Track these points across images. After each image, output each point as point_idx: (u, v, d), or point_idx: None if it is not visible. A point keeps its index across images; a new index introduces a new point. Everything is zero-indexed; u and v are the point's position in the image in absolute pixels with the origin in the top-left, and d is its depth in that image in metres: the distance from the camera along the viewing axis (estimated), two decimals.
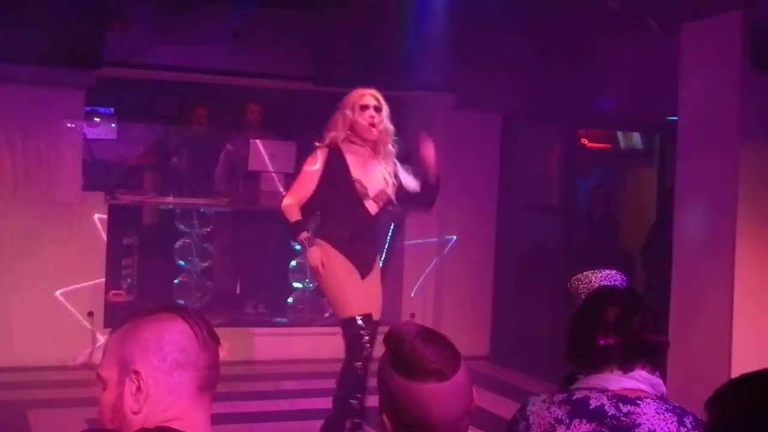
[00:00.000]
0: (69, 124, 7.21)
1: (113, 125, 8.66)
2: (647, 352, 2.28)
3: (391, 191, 5.15)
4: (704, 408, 1.50)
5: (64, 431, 5.40)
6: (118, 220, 7.60)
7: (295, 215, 5.03)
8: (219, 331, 1.75)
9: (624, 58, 7.06)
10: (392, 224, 8.25)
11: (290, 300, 8.00)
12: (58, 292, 7.09)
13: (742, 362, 5.00)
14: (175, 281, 7.91)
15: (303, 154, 5.61)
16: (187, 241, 7.96)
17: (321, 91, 7.21)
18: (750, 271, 5.31)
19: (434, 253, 8.22)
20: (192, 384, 1.65)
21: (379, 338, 2.03)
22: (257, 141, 7.76)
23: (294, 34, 7.55)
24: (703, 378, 5.11)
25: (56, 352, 7.01)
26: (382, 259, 7.99)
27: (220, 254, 8.40)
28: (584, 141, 8.97)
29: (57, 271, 7.08)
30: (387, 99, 5.24)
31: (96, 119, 8.37)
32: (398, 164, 5.23)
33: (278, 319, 8.00)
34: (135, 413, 1.62)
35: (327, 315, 7.44)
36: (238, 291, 8.50)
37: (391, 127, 5.15)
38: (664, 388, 2.30)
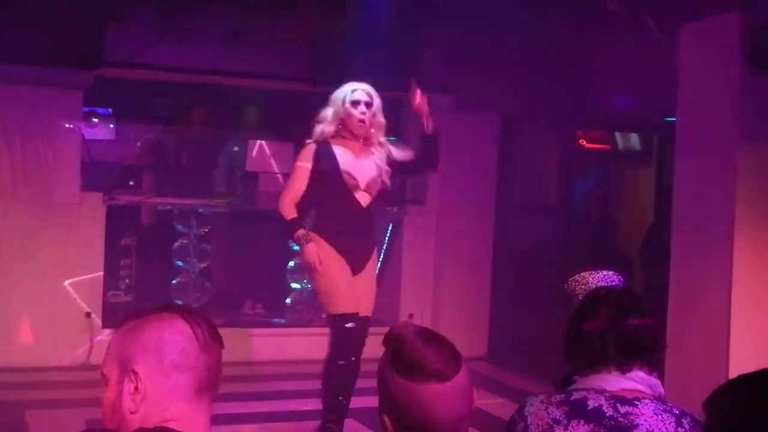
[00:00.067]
0: (67, 125, 7.20)
1: (112, 126, 8.66)
2: (645, 352, 2.29)
3: (385, 177, 5.10)
4: (702, 409, 1.51)
5: None
6: (116, 220, 7.59)
7: (290, 213, 5.02)
8: None
9: (622, 58, 7.06)
10: (391, 225, 8.26)
11: (288, 301, 8.00)
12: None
13: (740, 363, 5.01)
14: (174, 282, 7.91)
15: None
16: (185, 241, 7.96)
17: (319, 92, 7.21)
18: (748, 272, 5.32)
19: (432, 254, 8.23)
20: (190, 386, 1.64)
21: (377, 339, 2.03)
22: (256, 141, 7.76)
23: (292, 34, 7.55)
24: (701, 379, 5.12)
25: (55, 353, 7.01)
26: (380, 259, 8.02)
27: (218, 255, 8.40)
28: (582, 142, 8.97)
29: (55, 271, 7.08)
30: (385, 99, 5.24)
31: (94, 120, 8.38)
32: (389, 145, 5.19)
33: (276, 320, 8.00)
34: (132, 413, 1.62)
35: (325, 316, 7.44)
36: (236, 291, 8.50)
37: (382, 121, 5.12)
38: (661, 389, 2.30)
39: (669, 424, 2.16)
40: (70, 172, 7.20)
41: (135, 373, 1.62)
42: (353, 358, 5.05)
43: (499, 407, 5.50)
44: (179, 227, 7.97)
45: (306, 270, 5.62)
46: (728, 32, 5.40)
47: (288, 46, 7.56)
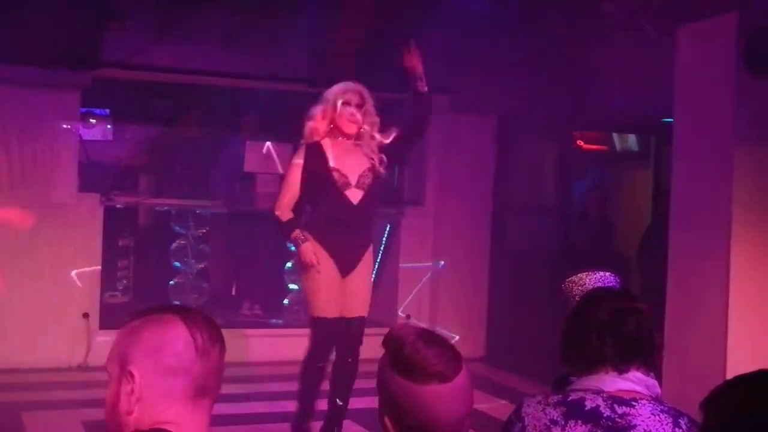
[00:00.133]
0: (65, 125, 7.20)
1: (109, 126, 8.66)
2: (642, 353, 2.29)
3: (378, 165, 5.05)
4: (699, 409, 1.51)
5: None
6: (113, 221, 7.59)
7: (286, 215, 5.03)
8: None
9: (620, 59, 7.07)
10: (388, 225, 8.26)
11: (286, 301, 8.00)
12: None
13: (737, 364, 5.01)
14: (171, 283, 7.90)
15: None
16: (182, 242, 7.96)
17: (317, 93, 7.21)
18: (745, 273, 5.32)
19: (430, 256, 8.24)
20: (186, 390, 1.63)
21: (376, 339, 2.03)
22: (254, 142, 7.76)
23: (290, 36, 7.55)
24: (699, 379, 5.12)
25: (52, 354, 7.00)
26: (378, 260, 8.02)
27: (216, 256, 8.39)
28: (580, 143, 8.98)
29: (52, 272, 7.07)
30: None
31: (92, 120, 8.37)
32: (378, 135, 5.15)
33: (274, 321, 8.00)
34: (128, 414, 1.62)
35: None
36: (233, 292, 8.50)
37: (376, 119, 5.09)
38: (659, 389, 2.30)
39: (666, 424, 2.16)
40: (68, 172, 7.20)
41: (131, 374, 1.62)
42: (350, 359, 5.05)
43: (497, 408, 5.50)
44: (177, 228, 7.97)
45: (299, 269, 5.65)
46: (725, 33, 5.40)
47: (286, 46, 7.56)
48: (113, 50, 7.10)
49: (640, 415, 2.17)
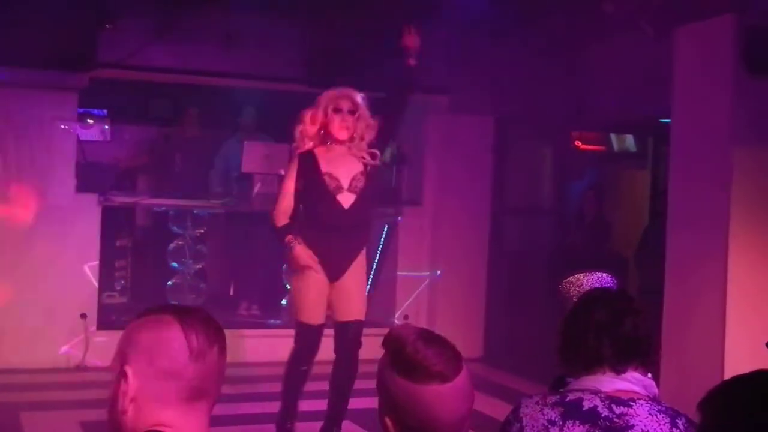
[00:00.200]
0: (62, 126, 7.20)
1: (107, 127, 8.66)
2: (640, 354, 2.29)
3: (369, 161, 5.03)
4: (697, 409, 1.51)
5: None
6: (111, 221, 7.58)
7: (281, 221, 5.03)
8: None
9: (618, 60, 7.08)
10: (386, 226, 8.26)
11: (284, 302, 8.00)
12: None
13: (735, 364, 5.02)
14: (169, 283, 7.90)
15: None
16: (180, 242, 7.96)
17: (315, 94, 7.21)
18: (743, 274, 5.33)
19: (427, 261, 8.23)
20: (179, 393, 1.61)
21: (375, 340, 2.03)
22: (252, 143, 7.76)
23: (288, 35, 7.55)
24: (697, 379, 5.12)
25: (50, 354, 6.99)
26: (376, 260, 8.02)
27: (213, 256, 8.39)
28: (577, 143, 8.98)
29: (50, 272, 7.06)
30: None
31: (89, 121, 8.37)
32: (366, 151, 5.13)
33: (272, 321, 8.00)
34: (123, 413, 1.61)
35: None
36: (231, 293, 8.50)
37: (371, 122, 5.06)
38: (656, 390, 2.31)
39: (664, 424, 2.17)
40: (65, 173, 7.19)
41: (125, 373, 1.62)
42: (349, 363, 5.04)
43: (495, 408, 5.50)
44: (174, 228, 7.97)
45: (289, 273, 5.64)
46: (723, 34, 5.41)
47: (284, 47, 7.56)
48: (111, 50, 7.09)
49: (638, 415, 2.17)
